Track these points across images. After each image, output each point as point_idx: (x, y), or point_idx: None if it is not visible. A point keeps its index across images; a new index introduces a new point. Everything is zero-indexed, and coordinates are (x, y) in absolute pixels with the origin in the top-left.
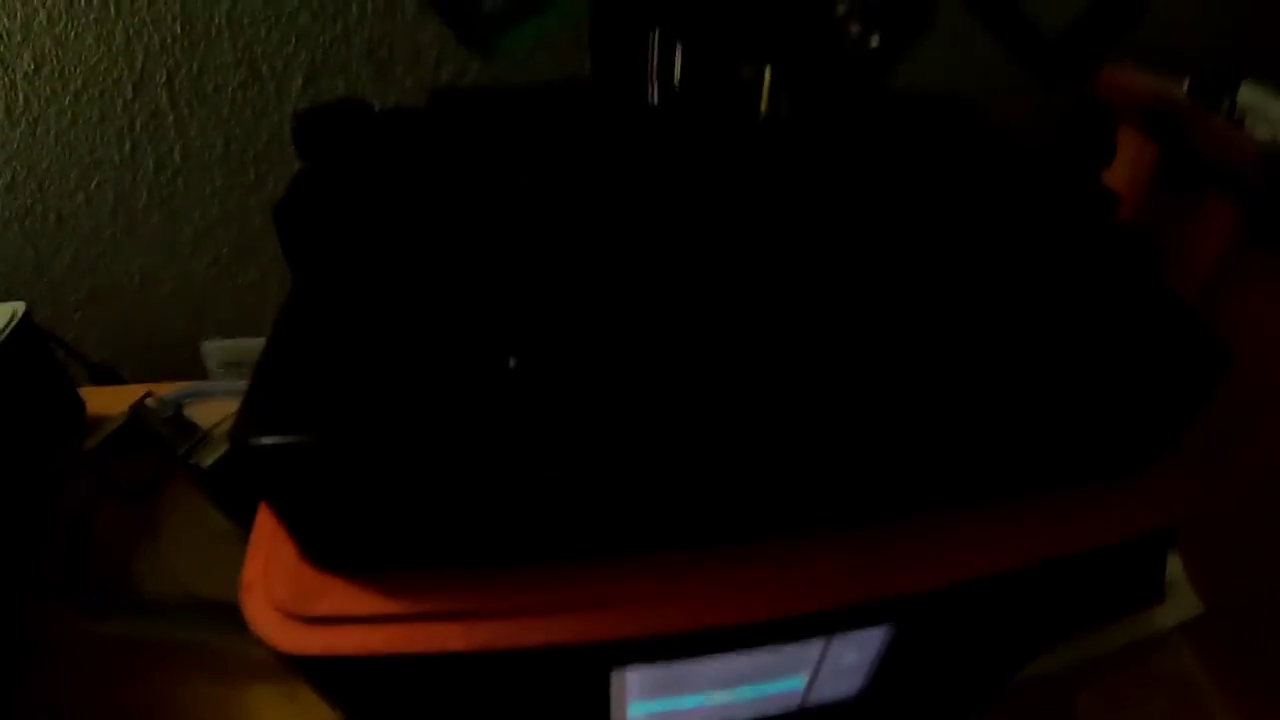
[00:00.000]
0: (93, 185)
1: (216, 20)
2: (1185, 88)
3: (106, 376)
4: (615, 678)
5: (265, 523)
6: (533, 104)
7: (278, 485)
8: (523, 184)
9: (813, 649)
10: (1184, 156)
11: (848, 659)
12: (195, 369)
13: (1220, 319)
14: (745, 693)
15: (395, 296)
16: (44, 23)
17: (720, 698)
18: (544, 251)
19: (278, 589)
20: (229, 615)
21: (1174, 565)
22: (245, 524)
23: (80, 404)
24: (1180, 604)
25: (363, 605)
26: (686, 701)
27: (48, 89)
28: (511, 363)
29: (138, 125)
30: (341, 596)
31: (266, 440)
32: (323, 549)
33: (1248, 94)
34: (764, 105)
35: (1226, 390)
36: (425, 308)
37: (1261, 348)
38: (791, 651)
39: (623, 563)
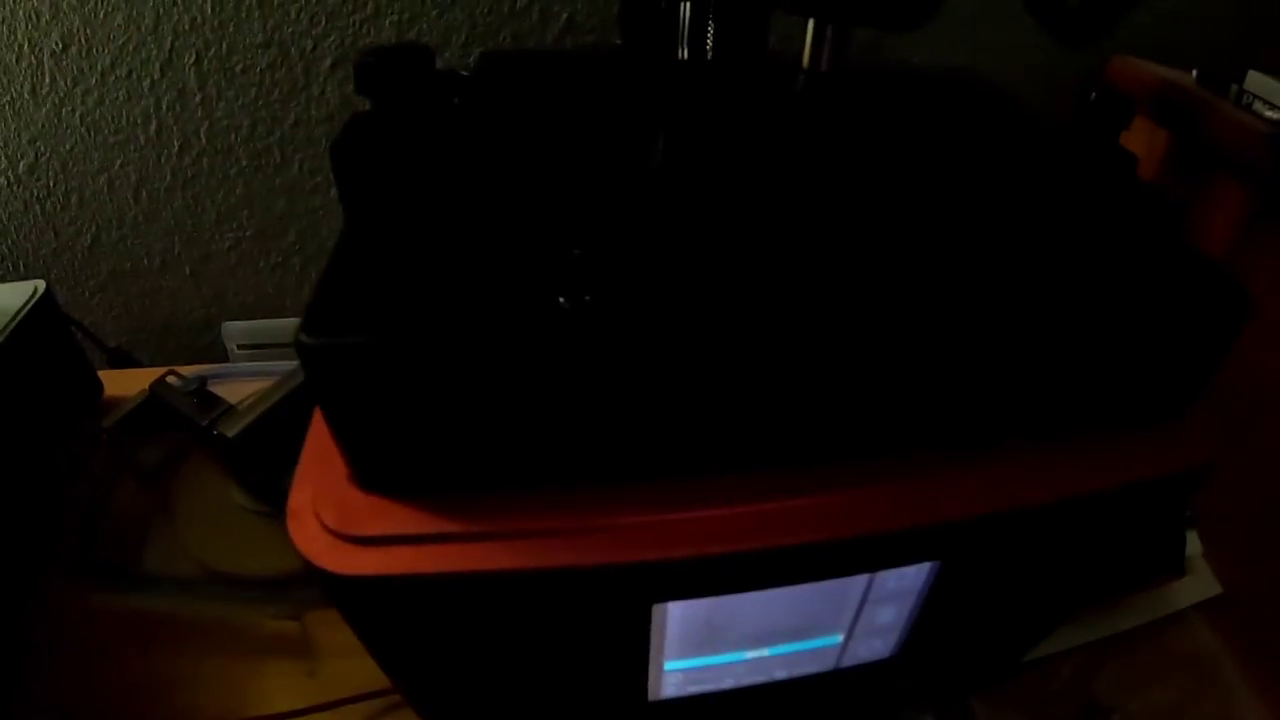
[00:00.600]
0: (116, 166)
1: (247, 0)
2: (1194, 77)
3: (124, 360)
4: (656, 619)
5: (313, 449)
6: (577, 65)
7: (334, 391)
8: (570, 135)
9: (851, 598)
10: (1193, 142)
11: (884, 616)
12: (212, 354)
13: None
14: (780, 650)
15: (448, 231)
16: (73, 2)
17: (755, 655)
18: (591, 192)
19: (326, 512)
20: (247, 590)
21: (1193, 545)
22: (266, 499)
23: (98, 385)
24: (1198, 583)
25: (412, 525)
26: (721, 659)
27: (74, 68)
28: (562, 301)
29: (164, 105)
30: (391, 517)
31: (328, 340)
32: (374, 467)
33: (1254, 82)
34: (806, 58)
35: (1240, 370)
36: (477, 242)
37: (1275, 326)
38: (830, 599)
39: (672, 485)
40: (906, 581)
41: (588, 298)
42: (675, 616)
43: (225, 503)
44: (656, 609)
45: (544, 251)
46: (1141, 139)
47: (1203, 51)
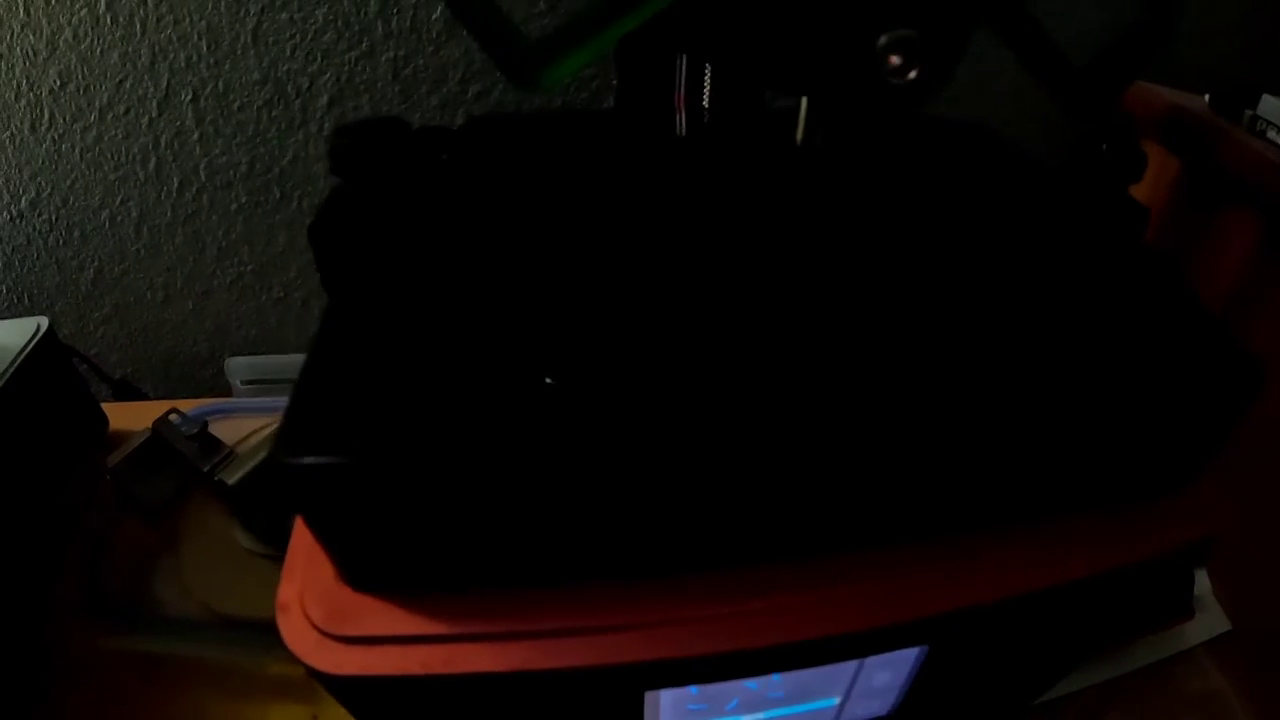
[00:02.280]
0: (117, 202)
1: (242, 38)
2: (1206, 101)
3: (129, 393)
4: (648, 699)
5: (300, 544)
6: (565, 130)
7: (316, 505)
8: (556, 208)
9: (845, 671)
10: (1206, 170)
11: (880, 679)
12: (218, 386)
13: (1245, 331)
14: (777, 713)
15: (431, 317)
16: (70, 40)
17: (753, 718)
18: (578, 273)
19: (314, 609)
20: (251, 633)
21: (1201, 582)
22: (269, 541)
23: (103, 419)
24: (1207, 621)
25: (400, 626)
26: None
27: (73, 106)
28: (548, 381)
29: (163, 142)
30: (379, 617)
31: (306, 460)
32: (360, 570)
33: (1268, 107)
34: (800, 135)
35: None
36: (461, 329)
37: None
38: (824, 673)
39: (659, 583)
40: (901, 653)
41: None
42: (668, 698)
43: (229, 543)
44: (649, 693)
45: (526, 345)
46: (1153, 166)
47: (1215, 74)
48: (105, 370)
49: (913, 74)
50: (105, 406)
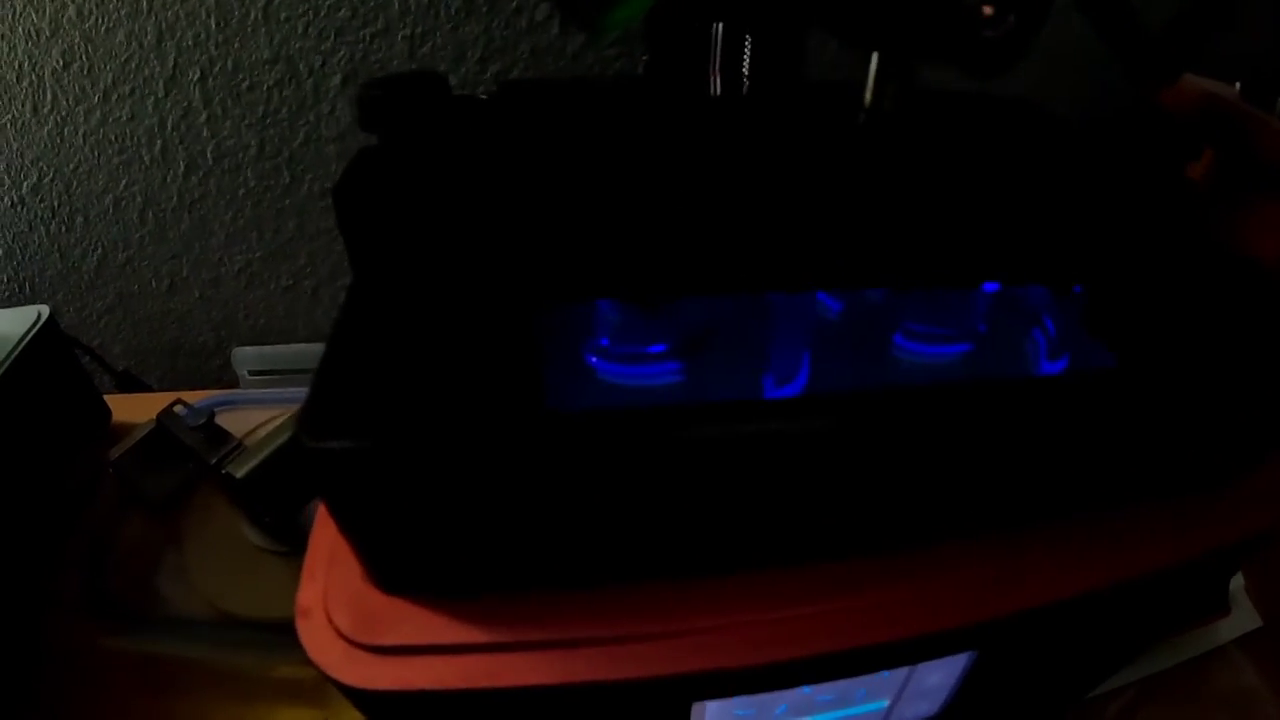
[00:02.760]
0: (121, 186)
1: (253, 15)
2: (1237, 90)
3: (132, 384)
4: (695, 709)
5: (322, 541)
6: (604, 97)
7: (344, 496)
8: (601, 175)
9: (897, 675)
10: (1240, 159)
11: (930, 682)
12: (224, 378)
13: None
14: (827, 716)
15: (466, 291)
16: (73, 18)
17: None
18: (616, 239)
19: (340, 616)
20: (259, 634)
21: (1234, 578)
22: (279, 537)
23: (106, 411)
24: (1239, 618)
25: (438, 634)
26: None
27: (77, 87)
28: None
29: (169, 124)
30: (414, 624)
31: (333, 444)
32: (392, 570)
33: None
34: (869, 96)
35: None
36: (497, 303)
37: None
38: (874, 678)
39: (709, 586)
40: (950, 659)
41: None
42: (714, 706)
43: (236, 539)
44: (696, 705)
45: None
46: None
47: (1246, 60)
48: (108, 361)
49: (1010, 21)
50: (108, 398)
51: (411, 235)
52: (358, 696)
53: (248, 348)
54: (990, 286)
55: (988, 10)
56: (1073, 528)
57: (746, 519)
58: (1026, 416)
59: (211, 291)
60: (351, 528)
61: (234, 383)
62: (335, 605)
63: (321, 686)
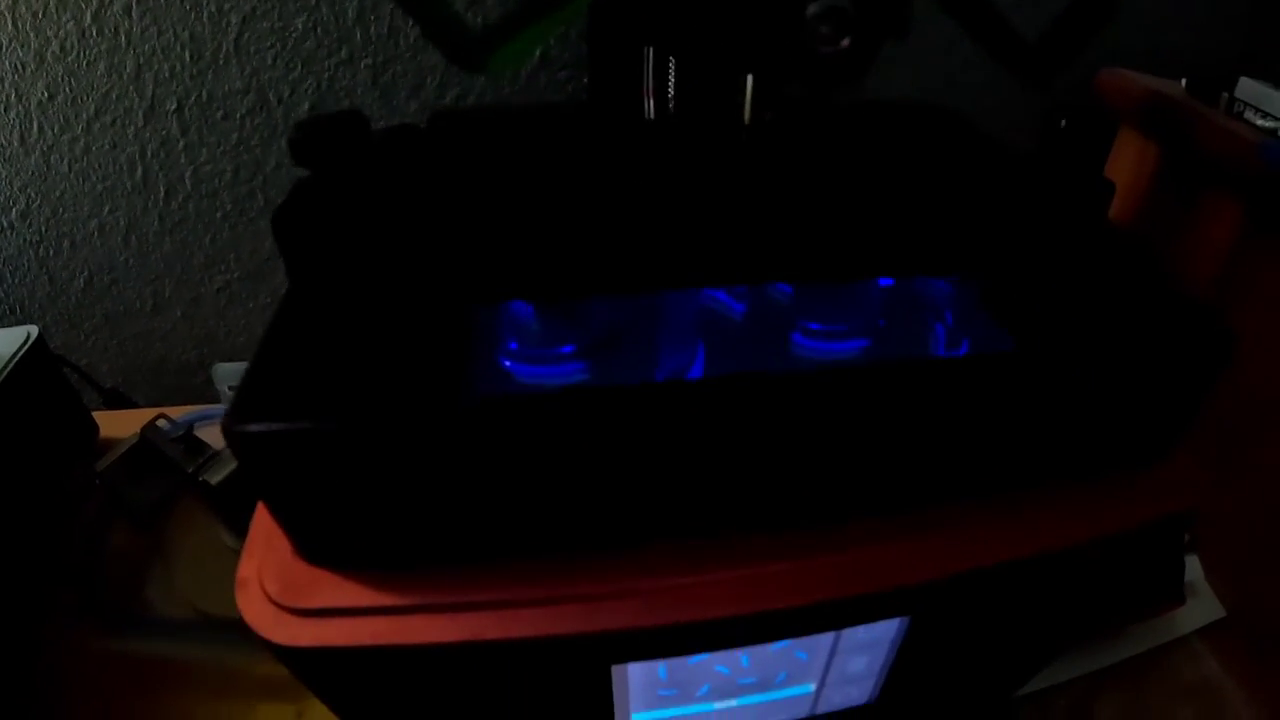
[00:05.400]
0: (105, 212)
1: (224, 48)
2: (1183, 86)
3: (120, 401)
4: (617, 677)
5: (261, 523)
6: (531, 121)
7: (268, 476)
8: (519, 191)
9: (818, 656)
10: (1185, 153)
11: (855, 665)
12: (208, 393)
13: (1231, 313)
14: (752, 699)
15: (387, 299)
16: (57, 53)
17: (724, 705)
18: (540, 246)
19: (271, 584)
20: (237, 633)
21: (1193, 568)
22: None
23: (93, 426)
24: (1201, 607)
25: (354, 598)
26: (691, 709)
27: (61, 118)
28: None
29: (149, 152)
30: (332, 590)
31: (256, 428)
32: (314, 543)
33: (1245, 89)
34: (747, 112)
35: (1240, 385)
36: (417, 309)
37: (1271, 339)
38: (794, 658)
39: (617, 555)
40: (876, 634)
41: None
42: (636, 675)
43: (216, 545)
44: (616, 668)
45: (480, 320)
46: (1132, 152)
47: (1192, 58)
48: (96, 379)
49: (844, 43)
50: (96, 414)
51: (338, 251)
52: (285, 655)
53: (228, 364)
54: (885, 281)
55: (825, 31)
56: (997, 506)
57: (660, 487)
58: (914, 392)
59: (193, 310)
60: (275, 504)
61: (216, 398)
62: (267, 575)
63: (296, 683)
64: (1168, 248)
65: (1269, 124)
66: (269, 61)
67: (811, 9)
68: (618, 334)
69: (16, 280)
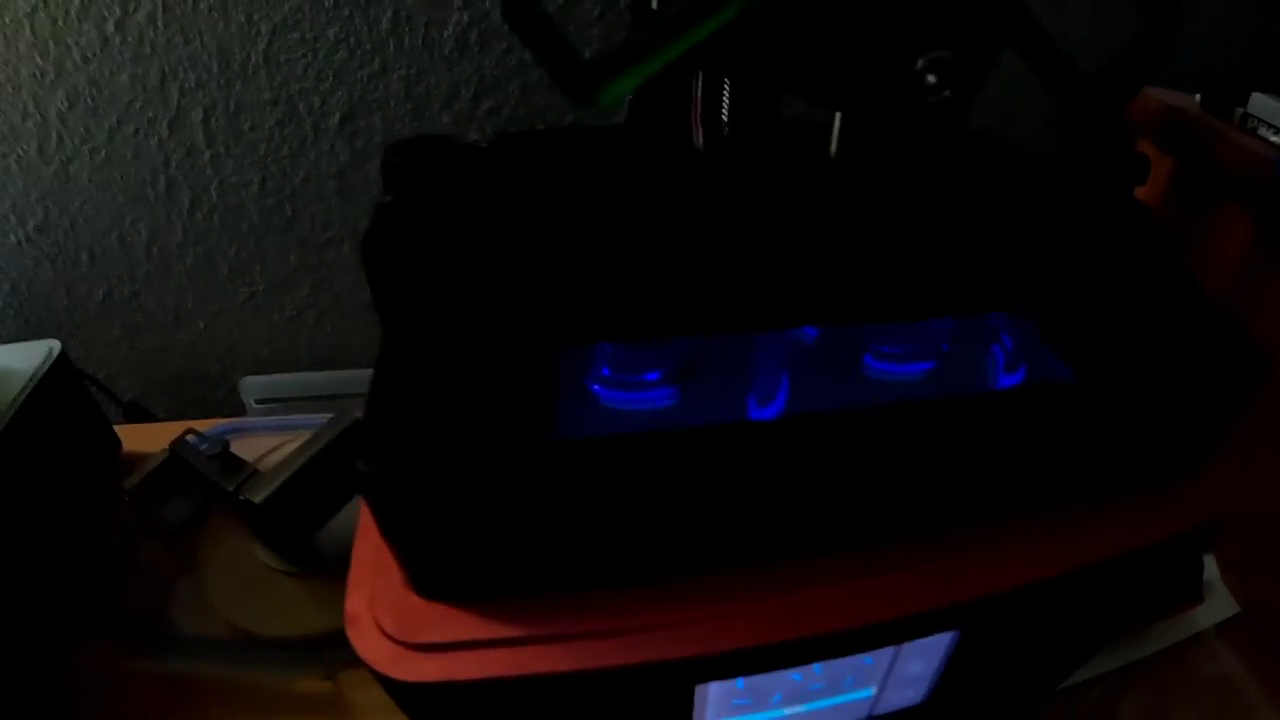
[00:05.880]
0: (127, 223)
1: (254, 58)
2: (1197, 101)
3: (139, 414)
4: (699, 693)
5: (364, 555)
6: (592, 146)
7: (392, 513)
8: (589, 225)
9: (882, 661)
10: (1200, 168)
11: (914, 668)
12: (229, 407)
13: (1244, 324)
14: (819, 704)
15: (482, 337)
16: (78, 61)
17: (794, 711)
18: (611, 291)
19: (386, 620)
20: (277, 651)
21: (1210, 567)
22: (292, 559)
23: (116, 441)
24: (1217, 605)
25: (471, 631)
26: (763, 716)
27: (81, 127)
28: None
29: (173, 163)
30: (450, 624)
31: (386, 468)
32: (432, 578)
33: (1258, 104)
34: (834, 148)
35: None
36: (511, 347)
37: None
38: (862, 664)
39: (709, 581)
40: (933, 640)
41: None
42: (715, 690)
43: (251, 562)
44: (699, 687)
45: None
46: None
47: (1205, 74)
48: (115, 392)
49: (947, 92)
50: (117, 429)
51: (433, 285)
52: (401, 691)
53: (255, 377)
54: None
55: (931, 80)
56: (1038, 522)
57: (736, 523)
58: (984, 425)
59: (216, 323)
60: (396, 540)
61: (238, 410)
62: (381, 611)
63: (340, 702)
64: (1182, 260)
65: None
66: (299, 72)
67: (920, 61)
68: (703, 360)
69: (33, 293)
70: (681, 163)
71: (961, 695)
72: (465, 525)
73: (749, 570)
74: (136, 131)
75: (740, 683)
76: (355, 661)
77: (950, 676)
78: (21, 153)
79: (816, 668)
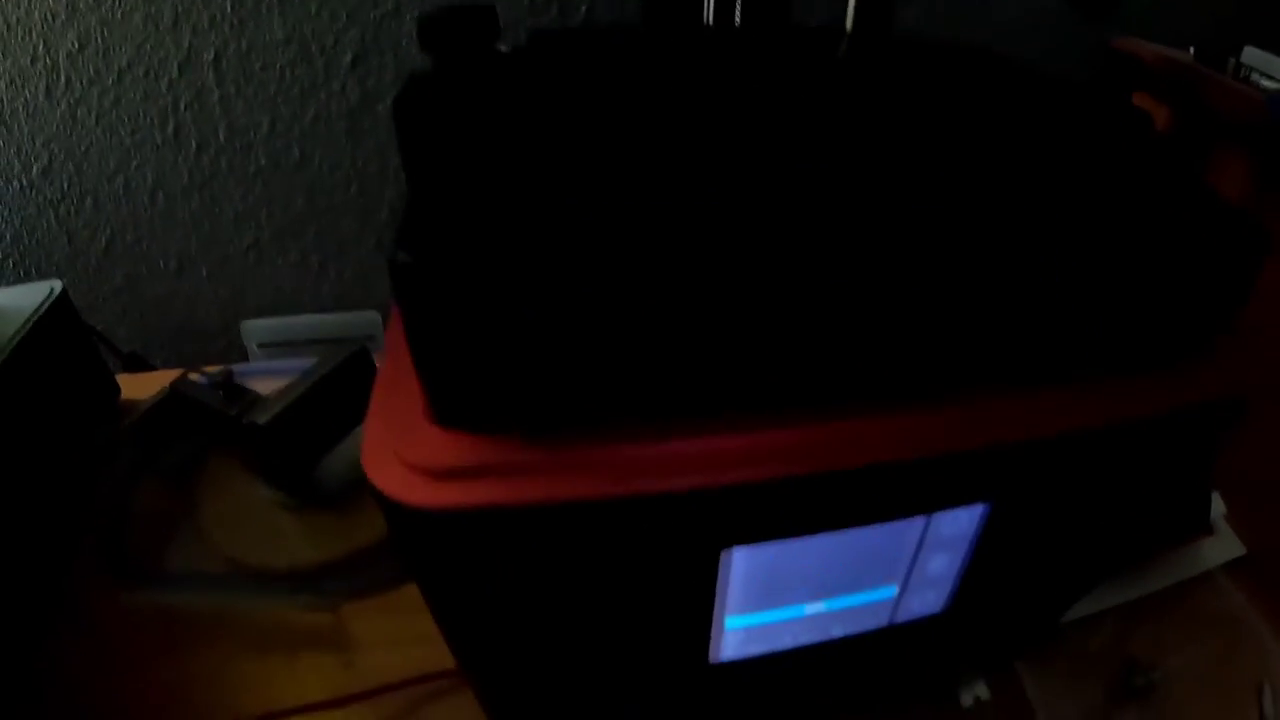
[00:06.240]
0: (132, 168)
1: None
2: (1191, 54)
3: (138, 365)
4: (721, 569)
5: (383, 392)
6: (624, 40)
7: (423, 312)
8: (622, 104)
9: (907, 544)
10: (1195, 115)
11: (936, 564)
12: (228, 357)
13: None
14: (838, 603)
15: (521, 180)
16: (90, 2)
17: (813, 610)
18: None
19: (405, 450)
20: (278, 583)
21: (1216, 506)
22: (294, 491)
23: (115, 387)
24: (1223, 544)
25: (492, 457)
26: (780, 614)
27: (90, 69)
28: None
29: (182, 105)
30: (471, 451)
31: (424, 259)
32: (454, 399)
33: (1251, 56)
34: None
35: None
36: (550, 189)
37: None
38: (886, 549)
39: (744, 416)
40: (959, 527)
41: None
42: (739, 568)
43: (251, 498)
44: (723, 557)
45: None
46: None
47: (1199, 31)
48: (115, 343)
49: None
50: (116, 379)
51: (464, 153)
52: (417, 524)
53: (257, 320)
54: None
55: None
56: (1065, 388)
57: (770, 349)
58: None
59: (219, 270)
60: (423, 347)
61: (237, 362)
62: (400, 441)
63: (342, 632)
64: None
65: (1275, 85)
66: (313, 11)
67: None
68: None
69: (34, 240)
70: (697, 54)
71: (980, 605)
72: (495, 333)
73: (779, 412)
74: (146, 73)
75: (762, 570)
76: (355, 593)
77: (970, 580)
78: (29, 96)
79: (842, 550)
